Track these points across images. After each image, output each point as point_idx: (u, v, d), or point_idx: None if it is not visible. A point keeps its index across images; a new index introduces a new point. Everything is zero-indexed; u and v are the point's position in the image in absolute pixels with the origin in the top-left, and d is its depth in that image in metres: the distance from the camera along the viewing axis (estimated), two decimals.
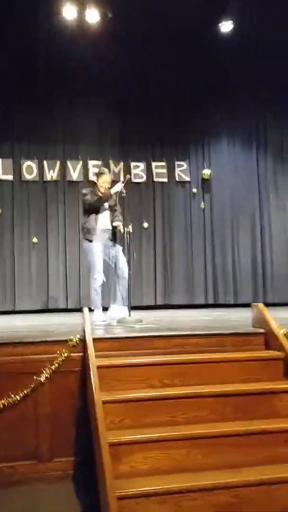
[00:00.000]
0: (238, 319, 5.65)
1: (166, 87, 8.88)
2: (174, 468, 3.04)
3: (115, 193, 5.62)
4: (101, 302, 5.56)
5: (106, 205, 5.58)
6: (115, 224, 5.55)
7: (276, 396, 3.48)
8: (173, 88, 8.92)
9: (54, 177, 8.78)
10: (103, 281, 5.54)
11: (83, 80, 8.60)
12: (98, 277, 5.48)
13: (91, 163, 8.92)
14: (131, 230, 5.30)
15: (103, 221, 5.55)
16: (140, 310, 8.36)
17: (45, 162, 8.78)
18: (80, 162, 8.89)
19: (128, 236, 5.27)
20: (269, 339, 4.03)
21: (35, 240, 8.62)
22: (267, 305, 4.84)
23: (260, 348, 4.07)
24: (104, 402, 3.24)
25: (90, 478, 3.49)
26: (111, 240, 5.57)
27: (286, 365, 3.74)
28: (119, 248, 5.57)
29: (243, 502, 2.84)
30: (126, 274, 5.45)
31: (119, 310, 5.47)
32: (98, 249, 5.51)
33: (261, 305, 4.34)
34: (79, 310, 7.55)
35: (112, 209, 5.66)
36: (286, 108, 9.59)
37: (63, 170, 8.85)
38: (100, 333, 4.05)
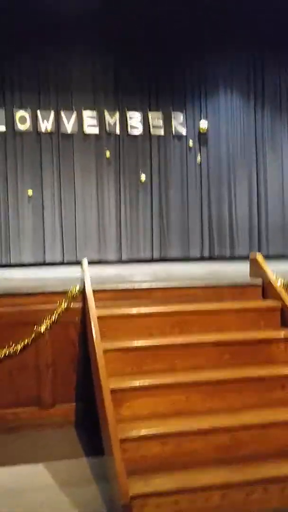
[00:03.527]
0: (234, 271, 5.69)
1: (162, 33, 8.57)
2: (173, 412, 3.14)
3: None
4: None
5: None
6: None
7: (272, 344, 3.56)
8: (169, 34, 8.61)
9: (49, 129, 8.58)
10: None
11: (76, 27, 8.27)
12: None
13: (86, 113, 8.72)
14: None
15: None
16: (137, 264, 8.44)
17: (38, 112, 8.56)
18: (74, 113, 8.68)
19: None
20: (266, 289, 4.09)
21: (30, 193, 8.51)
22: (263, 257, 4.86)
23: (257, 298, 4.13)
24: (105, 351, 3.30)
25: (91, 424, 3.61)
26: None
27: (283, 314, 3.81)
28: None
29: (241, 443, 2.95)
30: None
31: None
32: None
33: (259, 256, 4.38)
34: (76, 263, 7.60)
35: None
36: (284, 57, 9.34)
37: (57, 121, 8.64)
38: (100, 285, 4.07)
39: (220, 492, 2.66)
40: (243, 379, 3.29)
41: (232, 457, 2.89)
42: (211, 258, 9.04)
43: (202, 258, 8.99)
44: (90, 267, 4.35)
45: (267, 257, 7.88)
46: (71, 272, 5.77)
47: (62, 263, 8.49)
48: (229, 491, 2.67)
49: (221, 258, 9.00)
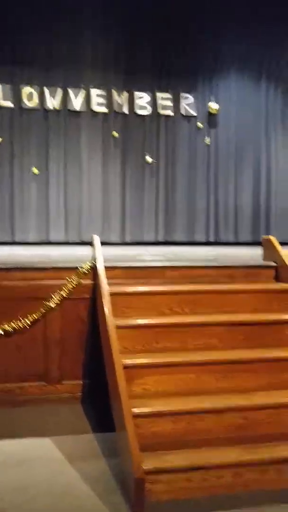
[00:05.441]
0: (245, 254, 5.62)
1: (175, 13, 8.39)
2: (185, 391, 3.11)
3: None
4: None
5: None
6: None
7: (286, 326, 3.52)
8: (182, 14, 8.44)
9: (56, 106, 8.44)
10: None
11: (88, 3, 8.09)
12: None
13: (94, 92, 8.57)
14: None
15: None
16: (141, 246, 8.36)
17: (45, 89, 8.41)
18: (82, 91, 8.53)
19: None
20: (280, 272, 4.04)
21: (35, 171, 8.41)
22: None
23: (270, 280, 4.09)
24: (116, 328, 3.26)
25: (98, 401, 3.59)
26: None
27: None
28: None
29: (252, 423, 2.93)
30: None
31: None
32: None
33: (273, 238, 4.33)
34: (80, 243, 7.51)
35: None
36: None
37: (65, 98, 8.51)
38: (111, 262, 4.01)
39: (233, 471, 2.64)
40: (255, 360, 3.26)
41: (244, 436, 2.87)
42: (217, 242, 8.96)
43: (207, 243, 8.91)
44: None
45: None
46: (77, 250, 5.69)
47: (65, 243, 8.41)
48: (242, 470, 2.65)
49: (226, 243, 8.94)
